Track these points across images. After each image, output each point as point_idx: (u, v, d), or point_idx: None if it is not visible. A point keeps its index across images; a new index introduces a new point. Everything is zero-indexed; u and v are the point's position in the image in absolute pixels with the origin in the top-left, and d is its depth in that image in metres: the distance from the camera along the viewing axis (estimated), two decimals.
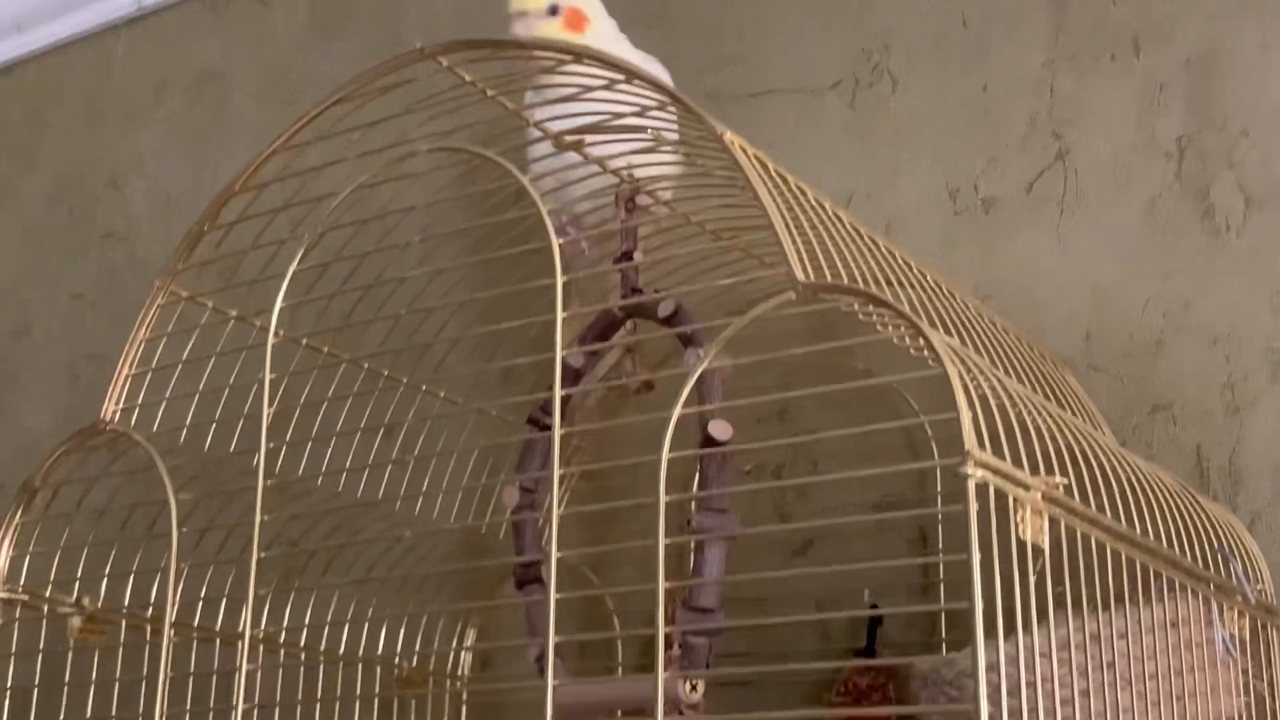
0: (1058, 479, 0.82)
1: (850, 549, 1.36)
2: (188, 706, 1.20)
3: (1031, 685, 0.94)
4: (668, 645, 1.03)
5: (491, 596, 1.55)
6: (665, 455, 0.88)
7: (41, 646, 1.15)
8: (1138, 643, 0.97)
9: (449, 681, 1.55)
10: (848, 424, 1.25)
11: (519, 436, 1.21)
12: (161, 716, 1.09)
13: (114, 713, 1.18)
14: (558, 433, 0.98)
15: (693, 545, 1.06)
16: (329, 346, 1.24)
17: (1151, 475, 1.04)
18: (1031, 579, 0.82)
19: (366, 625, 1.42)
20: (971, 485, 0.76)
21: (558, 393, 0.99)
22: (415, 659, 1.50)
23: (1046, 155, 1.37)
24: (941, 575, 1.30)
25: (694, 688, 1.06)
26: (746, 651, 1.34)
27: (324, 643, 1.40)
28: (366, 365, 1.28)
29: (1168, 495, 1.03)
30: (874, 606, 1.32)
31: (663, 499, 0.89)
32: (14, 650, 1.14)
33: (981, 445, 0.77)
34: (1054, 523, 0.83)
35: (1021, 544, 0.81)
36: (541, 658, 1.20)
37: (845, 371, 1.29)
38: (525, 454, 1.23)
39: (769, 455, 1.44)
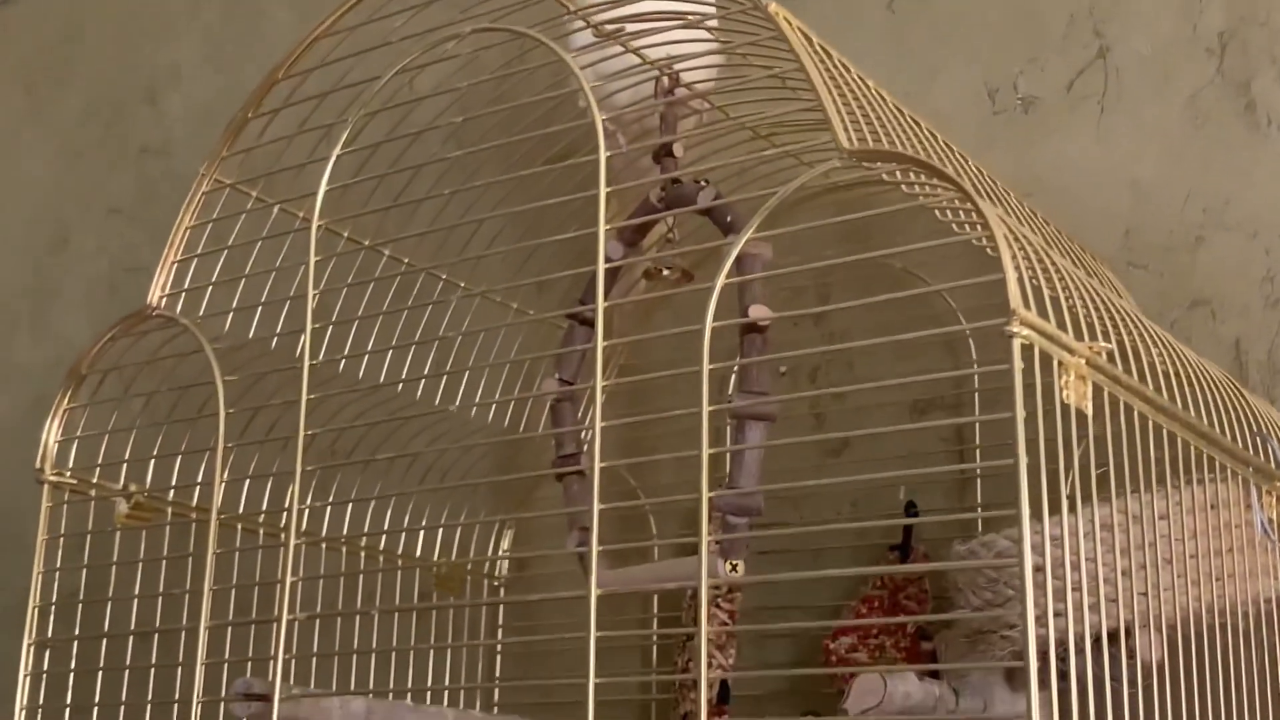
0: (1102, 344, 0.82)
1: (886, 449, 1.36)
2: (233, 594, 1.21)
3: (1074, 566, 0.95)
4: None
5: (528, 500, 1.56)
6: (709, 325, 0.88)
7: (90, 527, 1.16)
8: (1178, 524, 0.98)
9: (486, 581, 1.57)
10: (884, 325, 1.25)
11: (555, 349, 1.21)
12: (207, 602, 1.10)
13: (159, 602, 1.20)
14: (600, 308, 0.98)
15: (731, 426, 1.06)
16: (369, 239, 1.25)
17: (1195, 360, 1.04)
18: (1075, 451, 0.82)
19: (405, 525, 1.43)
20: (1017, 345, 0.76)
21: (601, 269, 0.99)
22: (453, 558, 1.53)
23: (1087, 53, 1.36)
24: (978, 471, 1.30)
25: (734, 567, 1.07)
26: (785, 549, 1.35)
27: (364, 540, 1.42)
28: (406, 261, 1.28)
29: (1211, 381, 1.03)
30: (910, 505, 1.33)
31: (706, 368, 0.89)
32: (63, 532, 1.16)
33: (1026, 306, 0.77)
34: (1097, 390, 0.83)
35: (1065, 412, 0.81)
36: (582, 544, 1.22)
37: (882, 270, 1.29)
38: (564, 343, 1.23)
39: (805, 358, 1.44)
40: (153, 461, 1.20)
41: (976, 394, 1.32)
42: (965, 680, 1.16)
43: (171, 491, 1.22)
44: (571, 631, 0.92)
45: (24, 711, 1.13)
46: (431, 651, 1.43)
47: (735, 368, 1.07)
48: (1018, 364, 0.76)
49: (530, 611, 1.57)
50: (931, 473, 1.30)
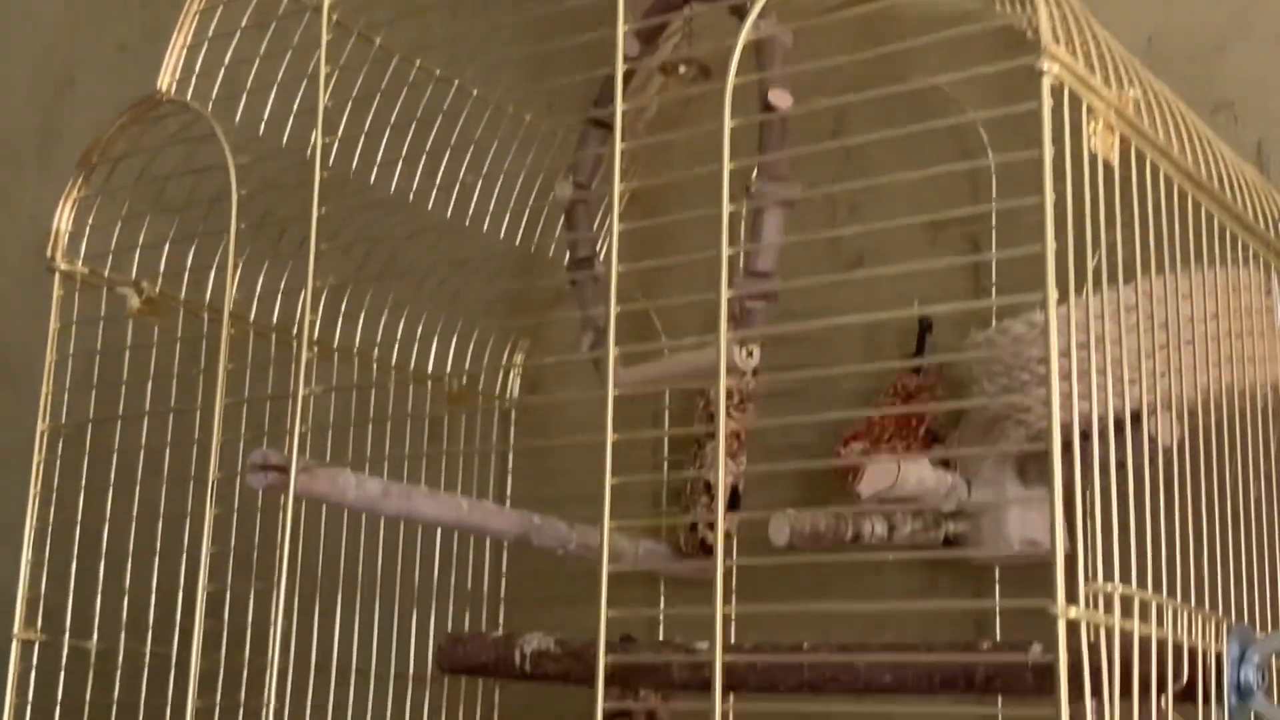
0: (1132, 93, 0.80)
1: (902, 260, 1.34)
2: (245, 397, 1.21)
3: (1084, 347, 0.94)
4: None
5: (541, 324, 1.55)
6: (727, 122, 0.87)
7: (103, 313, 1.16)
8: (1198, 304, 0.97)
9: (498, 403, 1.57)
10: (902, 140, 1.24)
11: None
12: (221, 386, 1.09)
13: (173, 399, 1.20)
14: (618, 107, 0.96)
15: (748, 213, 1.05)
16: (380, 38, 1.23)
17: (1230, 156, 1.02)
18: (1101, 218, 0.81)
19: (417, 342, 1.43)
20: (1046, 83, 0.75)
21: (619, 68, 0.97)
22: (465, 377, 1.52)
23: None
24: (994, 278, 1.29)
25: (750, 353, 1.06)
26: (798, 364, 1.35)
27: (376, 354, 1.41)
28: (419, 62, 1.26)
29: (1239, 171, 1.02)
30: (924, 319, 1.32)
31: (726, 166, 0.87)
32: (75, 319, 1.15)
33: (1056, 41, 0.75)
34: (1125, 142, 0.81)
35: (1093, 170, 0.79)
36: (596, 345, 1.22)
37: (899, 72, 1.27)
38: (580, 148, 1.22)
39: (821, 173, 1.42)
40: (164, 260, 1.19)
41: (993, 204, 1.30)
42: (978, 474, 1.16)
43: (184, 290, 1.21)
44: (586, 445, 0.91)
45: (37, 498, 1.13)
46: (444, 465, 1.43)
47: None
48: (1047, 101, 0.74)
49: (542, 427, 1.57)
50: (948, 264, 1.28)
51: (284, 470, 0.98)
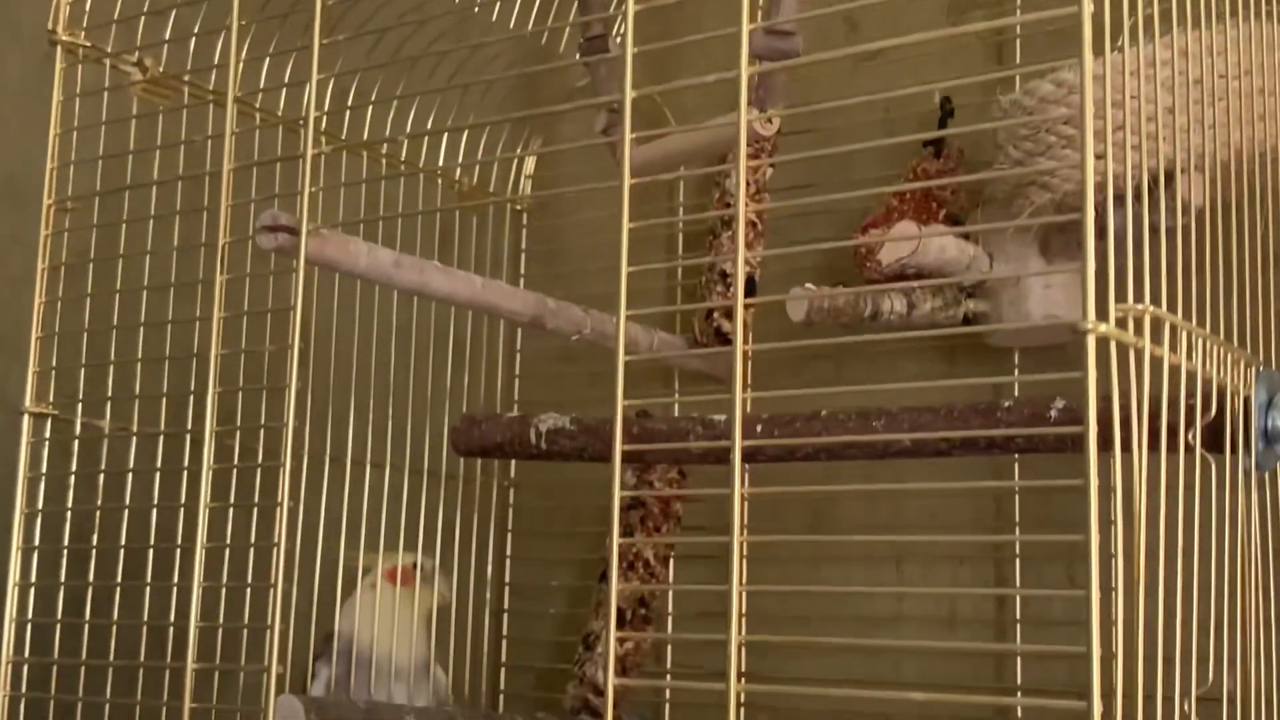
0: None
1: (923, 56, 1.31)
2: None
3: (1118, 105, 0.91)
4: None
5: (554, 115, 1.52)
6: None
7: (106, 85, 1.13)
8: (1230, 59, 0.94)
9: (509, 206, 1.54)
10: None
11: None
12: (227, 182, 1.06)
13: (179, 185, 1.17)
14: None
15: None
16: None
17: None
18: None
19: (426, 137, 1.40)
20: None
21: None
22: (476, 174, 1.50)
23: None
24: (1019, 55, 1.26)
25: (770, 120, 1.04)
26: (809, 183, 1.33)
27: (385, 148, 1.39)
28: None
29: None
30: (946, 101, 1.29)
31: None
32: (78, 93, 1.12)
33: None
34: None
35: None
36: (609, 128, 1.19)
37: None
38: None
39: None
40: (167, 35, 1.16)
41: None
42: (1000, 250, 1.14)
43: (189, 65, 1.18)
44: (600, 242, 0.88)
45: (45, 271, 1.11)
46: (455, 264, 1.41)
47: None
48: None
49: (555, 231, 1.55)
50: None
51: (294, 232, 0.96)
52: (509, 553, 1.51)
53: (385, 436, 1.29)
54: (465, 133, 1.43)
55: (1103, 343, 0.68)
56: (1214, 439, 0.80)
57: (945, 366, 1.30)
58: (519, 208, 1.56)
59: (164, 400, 1.09)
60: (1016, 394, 1.19)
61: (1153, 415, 0.72)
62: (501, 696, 1.48)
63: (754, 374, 1.33)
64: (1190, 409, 0.74)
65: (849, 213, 1.32)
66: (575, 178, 1.47)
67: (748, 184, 1.32)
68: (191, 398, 1.04)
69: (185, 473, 1.07)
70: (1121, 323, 0.70)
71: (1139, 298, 0.72)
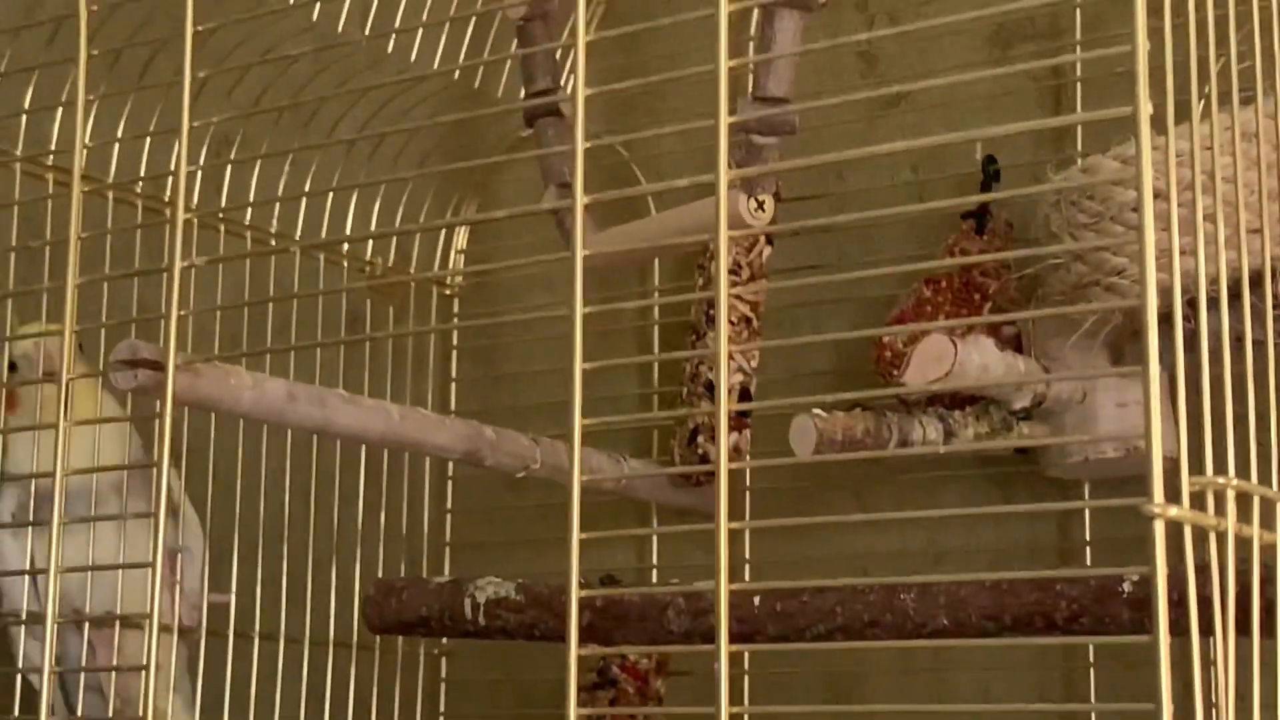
0: None
1: (960, 93, 1.35)
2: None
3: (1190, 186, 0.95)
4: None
5: (490, 173, 1.56)
6: None
7: None
8: None
9: (435, 290, 1.57)
10: None
11: None
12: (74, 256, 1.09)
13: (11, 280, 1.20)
14: None
15: (759, 17, 1.05)
16: None
17: None
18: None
19: (328, 209, 1.42)
20: None
21: None
22: (393, 254, 1.52)
23: None
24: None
25: (760, 205, 1.07)
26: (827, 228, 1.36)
27: (275, 224, 1.41)
28: None
29: None
30: (990, 160, 1.32)
31: None
32: None
33: None
34: None
35: None
36: (558, 211, 1.22)
37: None
38: None
39: None
40: None
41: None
42: (1059, 360, 1.18)
43: (19, 142, 1.21)
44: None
45: None
46: (368, 372, 1.44)
47: None
48: None
49: (491, 327, 1.58)
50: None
51: (159, 367, 0.98)
52: None
53: (279, 598, 1.31)
54: (377, 201, 1.46)
55: (1174, 525, 0.71)
56: None
57: (997, 498, 1.33)
58: (448, 292, 1.59)
59: None
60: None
61: (1240, 606, 0.75)
62: None
63: (751, 509, 1.37)
64: None
65: (869, 301, 1.36)
66: (516, 251, 1.49)
67: (738, 269, 1.36)
68: None
69: None
70: (1198, 498, 0.73)
71: (1219, 463, 0.75)
